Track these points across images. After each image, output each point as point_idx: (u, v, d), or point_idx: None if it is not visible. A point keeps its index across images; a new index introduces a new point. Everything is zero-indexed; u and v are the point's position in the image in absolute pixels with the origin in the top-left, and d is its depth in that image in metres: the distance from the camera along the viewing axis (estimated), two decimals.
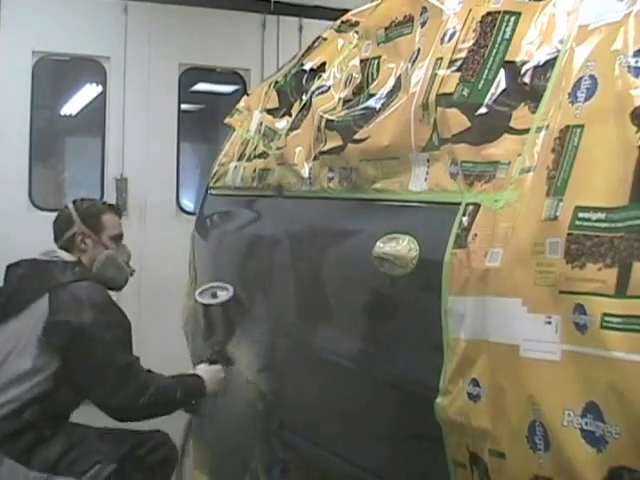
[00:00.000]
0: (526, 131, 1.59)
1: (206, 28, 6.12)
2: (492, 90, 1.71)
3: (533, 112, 1.60)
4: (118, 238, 2.92)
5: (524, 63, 1.68)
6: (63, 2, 5.87)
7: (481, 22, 1.80)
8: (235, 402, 2.88)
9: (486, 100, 1.71)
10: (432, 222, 1.80)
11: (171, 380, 2.69)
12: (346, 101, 2.33)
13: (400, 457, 1.93)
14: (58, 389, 2.62)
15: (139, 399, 2.59)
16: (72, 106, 6.70)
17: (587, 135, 1.40)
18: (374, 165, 2.02)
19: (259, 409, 2.70)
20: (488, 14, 1.79)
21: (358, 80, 2.32)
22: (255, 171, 2.85)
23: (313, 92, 2.55)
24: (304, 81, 2.79)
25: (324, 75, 2.62)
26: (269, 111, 2.97)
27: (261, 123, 2.96)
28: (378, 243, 1.89)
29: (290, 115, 2.74)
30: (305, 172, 2.39)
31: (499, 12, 1.77)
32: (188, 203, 6.24)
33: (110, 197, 5.61)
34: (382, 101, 2.08)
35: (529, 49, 1.69)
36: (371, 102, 2.13)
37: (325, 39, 2.86)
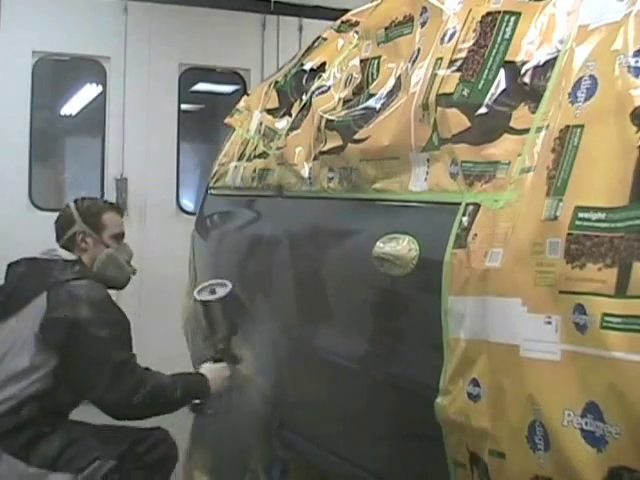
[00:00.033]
0: (526, 131, 1.59)
1: (206, 28, 6.12)
2: (492, 90, 1.71)
3: (533, 112, 1.60)
4: (119, 237, 2.91)
5: (524, 63, 1.68)
6: (63, 2, 5.86)
7: (481, 22, 1.80)
8: (235, 402, 2.87)
9: (486, 100, 1.71)
10: (432, 222, 1.80)
11: (170, 379, 2.67)
12: (346, 101, 2.33)
13: (400, 457, 1.93)
14: (57, 387, 2.62)
15: (133, 397, 2.57)
16: (72, 106, 6.70)
17: (587, 135, 1.40)
18: (374, 165, 2.02)
19: (259, 409, 2.70)
20: (488, 14, 1.79)
21: (358, 80, 2.32)
22: (255, 171, 2.85)
23: (313, 92, 2.55)
24: (304, 81, 2.79)
25: (324, 75, 2.62)
26: (269, 111, 2.97)
27: (261, 123, 2.96)
28: (378, 243, 1.89)
29: (290, 115, 2.74)
30: (305, 172, 2.38)
31: (499, 12, 1.77)
32: (188, 203, 6.24)
33: (110, 197, 5.60)
34: (382, 101, 2.08)
35: (529, 49, 1.69)
36: (371, 102, 2.13)
37: (325, 39, 2.86)
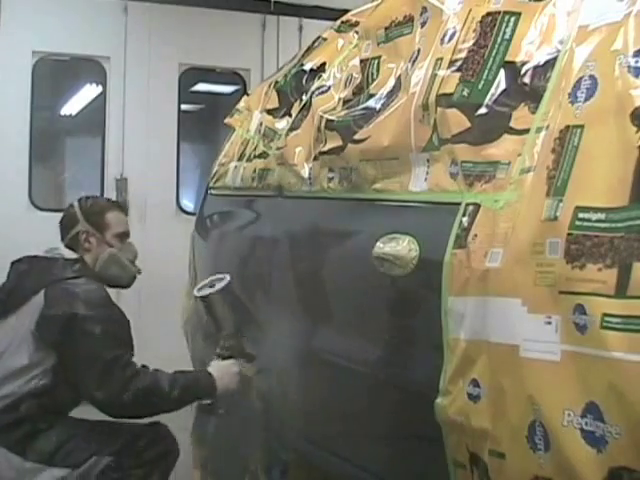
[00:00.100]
0: (526, 131, 1.59)
1: (206, 28, 6.12)
2: (492, 90, 1.71)
3: (533, 112, 1.60)
4: (123, 236, 2.90)
5: (524, 63, 1.68)
6: (63, 2, 5.87)
7: (481, 22, 1.80)
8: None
9: (486, 100, 1.71)
10: (432, 222, 1.80)
11: (169, 377, 2.61)
12: (346, 101, 2.33)
13: (400, 457, 1.93)
14: (56, 385, 2.62)
15: (123, 394, 2.52)
16: (72, 106, 6.70)
17: (587, 135, 1.40)
18: (374, 165, 2.02)
19: (259, 409, 2.70)
20: (488, 14, 1.79)
21: (358, 80, 2.32)
22: (255, 171, 2.85)
23: (313, 92, 2.55)
24: (304, 81, 2.79)
25: (324, 75, 2.62)
26: (269, 111, 2.97)
27: (261, 123, 2.96)
28: (378, 243, 1.89)
29: (290, 115, 2.74)
30: (305, 172, 2.38)
31: (499, 12, 1.77)
32: (188, 203, 6.24)
33: (110, 197, 5.61)
34: (382, 101, 2.08)
35: (529, 49, 1.69)
36: (371, 102, 2.13)
37: (325, 39, 2.86)
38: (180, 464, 2.84)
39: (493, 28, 1.76)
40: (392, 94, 2.06)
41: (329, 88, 2.49)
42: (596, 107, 1.40)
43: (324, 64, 2.70)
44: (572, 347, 1.33)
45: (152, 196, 5.95)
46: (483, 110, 1.70)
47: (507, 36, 1.74)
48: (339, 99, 2.39)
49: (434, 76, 1.85)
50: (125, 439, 2.66)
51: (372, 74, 2.24)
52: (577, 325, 1.31)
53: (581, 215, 1.34)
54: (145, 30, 6.01)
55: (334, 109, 2.35)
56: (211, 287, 2.75)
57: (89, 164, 6.27)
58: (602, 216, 1.31)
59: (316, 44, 2.91)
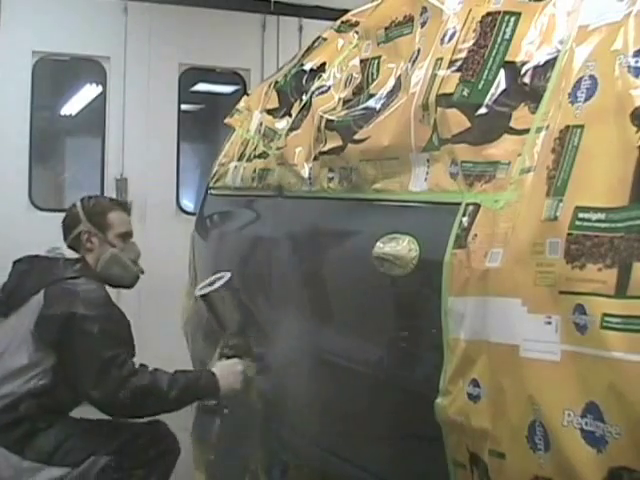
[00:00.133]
0: (526, 131, 1.59)
1: (206, 28, 6.12)
2: (492, 90, 1.71)
3: (533, 112, 1.59)
4: (126, 236, 2.88)
5: (524, 63, 1.68)
6: (63, 2, 5.87)
7: (481, 22, 1.80)
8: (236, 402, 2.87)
9: (486, 100, 1.70)
10: (432, 222, 1.80)
11: (168, 377, 2.60)
12: (346, 101, 2.33)
13: (400, 457, 1.93)
14: (56, 385, 2.62)
15: (119, 392, 2.51)
16: (72, 106, 6.70)
17: (587, 135, 1.39)
18: (374, 165, 2.02)
19: (259, 409, 2.70)
20: (488, 14, 1.79)
21: (358, 80, 2.32)
22: (255, 171, 2.85)
23: (313, 92, 2.55)
24: (304, 81, 2.79)
25: (324, 75, 2.62)
26: (269, 111, 2.97)
27: (261, 123, 2.96)
28: (378, 243, 1.89)
29: (290, 115, 2.74)
30: (305, 172, 2.38)
31: (499, 12, 1.77)
32: (188, 203, 6.24)
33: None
34: (382, 101, 2.08)
35: (529, 49, 1.69)
36: (371, 102, 2.13)
37: (325, 39, 2.86)
38: (180, 464, 2.83)
39: (493, 28, 1.76)
40: (392, 94, 2.06)
41: (329, 88, 2.49)
42: (596, 107, 1.40)
43: (324, 64, 2.70)
44: (572, 347, 1.33)
45: (152, 196, 5.95)
46: (483, 110, 1.70)
47: (507, 36, 1.74)
48: (339, 99, 2.39)
49: (434, 76, 1.85)
50: (124, 438, 2.66)
51: (372, 74, 2.24)
52: (577, 325, 1.31)
53: (581, 215, 1.34)
54: (145, 30, 6.02)
55: (334, 109, 2.35)
56: (211, 286, 2.74)
57: (89, 164, 6.27)
58: (602, 216, 1.31)
59: (316, 44, 2.91)
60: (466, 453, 1.60)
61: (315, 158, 2.32)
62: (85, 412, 2.73)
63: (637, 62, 1.36)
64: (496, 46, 1.74)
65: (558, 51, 1.60)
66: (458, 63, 1.79)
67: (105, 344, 2.57)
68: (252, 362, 2.70)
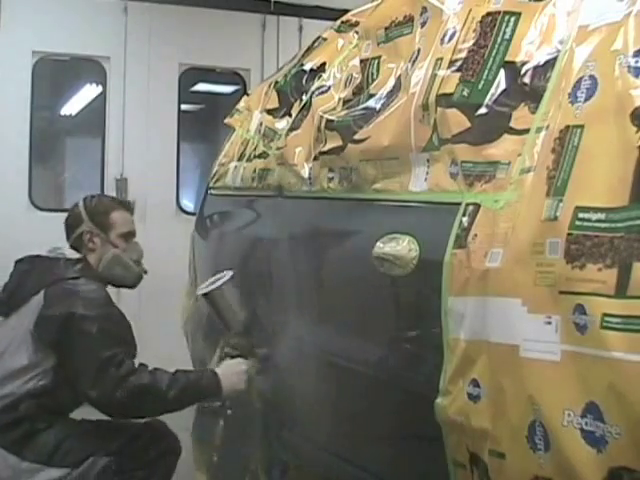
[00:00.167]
0: (526, 131, 1.59)
1: (206, 28, 6.12)
2: (492, 90, 1.71)
3: (533, 112, 1.60)
4: (129, 235, 2.86)
5: (524, 63, 1.68)
6: (63, 2, 5.87)
7: (481, 22, 1.80)
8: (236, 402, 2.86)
9: (486, 100, 1.70)
10: (432, 222, 1.80)
11: (168, 377, 2.56)
12: (346, 101, 2.33)
13: (400, 457, 1.93)
14: (56, 385, 2.61)
15: (116, 392, 2.48)
16: (72, 106, 6.71)
17: (587, 135, 1.39)
18: (374, 165, 2.02)
19: (259, 409, 2.70)
20: (488, 14, 1.79)
21: (358, 80, 2.32)
22: (255, 171, 2.85)
23: (313, 92, 2.55)
24: (304, 81, 2.79)
25: (324, 75, 2.62)
26: (269, 111, 2.97)
27: (261, 123, 2.96)
28: (378, 243, 1.89)
29: (290, 115, 2.74)
30: (305, 172, 2.38)
31: (499, 12, 1.77)
32: (188, 203, 6.24)
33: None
34: (382, 101, 2.08)
35: (529, 49, 1.69)
36: (371, 102, 2.13)
37: (325, 39, 2.86)
38: (181, 464, 2.82)
39: (493, 28, 1.76)
40: (392, 94, 2.06)
41: (329, 88, 2.49)
42: (596, 107, 1.40)
43: (324, 64, 2.70)
44: (572, 347, 1.33)
45: (152, 196, 5.95)
46: (483, 110, 1.70)
47: (507, 36, 1.74)
48: (339, 99, 2.39)
49: (434, 76, 1.85)
50: (124, 439, 2.65)
51: (372, 74, 2.24)
52: (577, 325, 1.31)
53: (581, 215, 1.34)
54: (145, 30, 6.02)
55: (334, 109, 2.35)
56: (214, 284, 2.70)
57: (89, 164, 6.27)
58: (602, 216, 1.31)
59: (316, 44, 2.91)
60: (466, 453, 1.60)
61: (315, 158, 2.32)
62: (86, 413, 2.72)
63: (637, 62, 1.36)
64: (496, 46, 1.74)
65: (558, 51, 1.60)
66: (458, 63, 1.79)
67: (104, 344, 2.55)
68: (256, 362, 2.66)
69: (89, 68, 6.13)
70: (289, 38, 6.15)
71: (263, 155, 2.83)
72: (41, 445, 2.57)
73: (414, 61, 1.99)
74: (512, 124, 1.64)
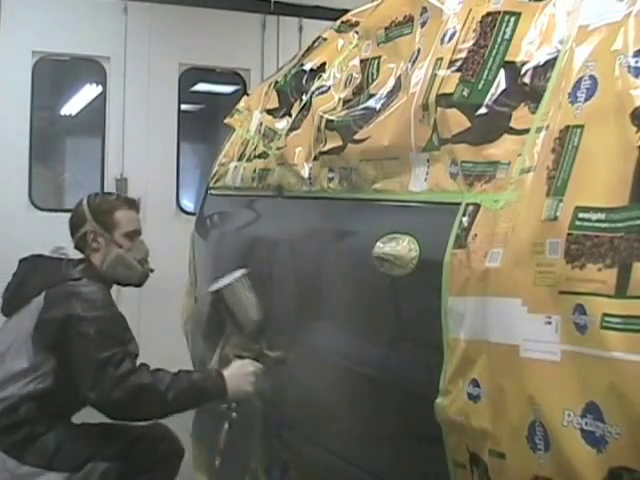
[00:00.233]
0: (526, 131, 1.59)
1: (206, 28, 6.12)
2: (492, 90, 1.71)
3: (533, 112, 1.60)
4: (134, 234, 2.81)
5: (524, 63, 1.68)
6: (63, 2, 5.87)
7: (481, 22, 1.80)
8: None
9: (486, 100, 1.71)
10: (432, 222, 1.80)
11: (169, 377, 2.51)
12: (346, 101, 2.33)
13: (400, 457, 1.93)
14: (57, 387, 2.60)
15: (113, 392, 2.44)
16: (72, 106, 6.71)
17: (587, 135, 1.40)
18: (374, 165, 2.02)
19: (259, 409, 2.70)
20: (488, 14, 1.79)
21: (358, 80, 2.32)
22: (255, 171, 2.85)
23: (313, 92, 2.55)
24: (304, 81, 2.79)
25: (324, 75, 2.62)
26: (269, 111, 2.97)
27: (261, 123, 2.96)
28: (378, 243, 1.89)
29: (290, 115, 2.74)
30: (305, 172, 2.38)
31: (499, 12, 1.77)
32: (188, 203, 6.24)
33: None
34: (382, 101, 2.08)
35: (529, 49, 1.69)
36: (371, 102, 2.13)
37: (325, 39, 2.86)
38: (181, 464, 2.81)
39: (493, 28, 1.76)
40: (392, 94, 2.06)
41: (329, 88, 2.49)
42: (596, 107, 1.40)
43: (324, 64, 2.70)
44: (572, 347, 1.33)
45: (152, 196, 5.93)
46: (483, 110, 1.71)
47: (507, 36, 1.74)
48: (339, 99, 2.39)
49: (434, 76, 1.85)
50: (125, 443, 2.62)
51: (372, 74, 2.24)
52: (577, 325, 1.31)
53: (581, 215, 1.34)
54: (145, 30, 6.02)
55: (334, 109, 2.35)
56: (225, 281, 2.62)
57: (89, 164, 6.27)
58: (602, 216, 1.31)
59: (316, 44, 2.91)
60: (466, 453, 1.60)
61: (315, 158, 2.32)
62: (87, 416, 2.71)
63: (637, 62, 1.36)
64: (496, 46, 1.74)
65: (558, 51, 1.60)
66: (458, 63, 1.80)
67: (102, 345, 2.52)
68: (268, 364, 2.56)
69: (89, 68, 6.13)
70: (289, 38, 6.15)
71: (263, 155, 2.83)
72: (41, 449, 2.54)
73: (414, 61, 1.99)
74: (512, 124, 1.64)
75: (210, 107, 7.14)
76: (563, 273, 1.35)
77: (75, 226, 2.81)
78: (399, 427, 1.91)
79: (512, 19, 1.75)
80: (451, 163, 1.76)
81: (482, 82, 1.73)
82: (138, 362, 2.59)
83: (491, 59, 1.74)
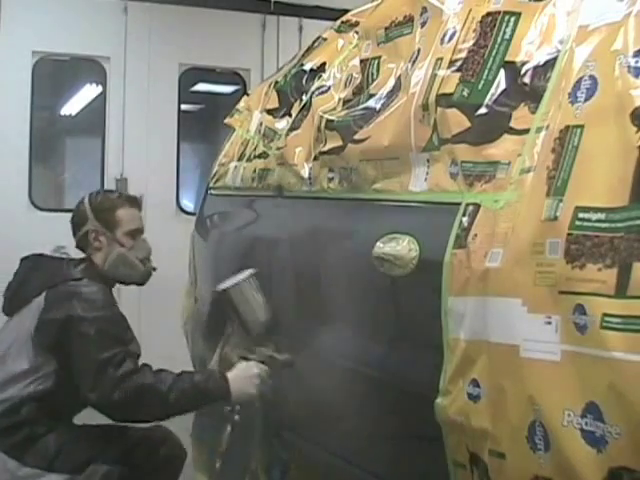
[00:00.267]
0: (526, 131, 1.59)
1: (206, 28, 6.12)
2: (492, 90, 1.71)
3: (533, 112, 1.60)
4: (136, 233, 2.78)
5: (524, 63, 1.68)
6: (63, 2, 5.87)
7: (481, 22, 1.80)
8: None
9: (486, 100, 1.71)
10: (432, 222, 1.80)
11: (171, 378, 2.47)
12: (346, 101, 2.33)
13: (400, 457, 1.93)
14: (58, 388, 2.59)
15: (114, 392, 2.41)
16: (72, 106, 6.70)
17: (587, 135, 1.40)
18: (374, 165, 2.02)
19: (259, 409, 2.70)
20: (488, 14, 1.79)
21: (358, 80, 2.32)
22: (255, 171, 2.85)
23: (313, 92, 2.55)
24: (304, 81, 2.79)
25: (324, 75, 2.62)
26: (269, 111, 2.97)
27: (261, 123, 2.96)
28: (378, 243, 1.89)
29: (290, 115, 2.74)
30: (305, 172, 2.39)
31: (499, 12, 1.78)
32: (188, 203, 6.24)
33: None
34: (382, 101, 2.09)
35: (529, 49, 1.69)
36: (371, 102, 2.13)
37: (325, 39, 2.86)
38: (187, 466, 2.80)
39: (493, 28, 1.76)
40: (392, 94, 2.06)
41: (329, 88, 2.49)
42: (596, 107, 1.40)
43: (324, 64, 2.70)
44: (572, 347, 1.33)
45: (152, 196, 5.93)
46: (483, 110, 1.71)
47: (507, 36, 1.74)
48: (339, 99, 2.39)
49: (434, 76, 1.85)
50: (126, 445, 2.61)
51: (372, 74, 2.24)
52: (577, 325, 1.31)
53: (581, 215, 1.34)
54: (145, 30, 6.01)
55: (334, 109, 2.35)
56: (232, 281, 2.58)
57: (89, 164, 6.27)
58: (602, 216, 1.31)
59: (316, 44, 2.91)
60: (466, 453, 1.60)
61: (315, 158, 2.32)
62: (88, 418, 2.70)
63: (637, 62, 1.36)
64: (496, 46, 1.74)
65: (558, 51, 1.60)
66: (458, 63, 1.80)
67: (102, 345, 2.49)
68: (272, 365, 2.51)
69: (89, 68, 6.12)
70: (289, 38, 6.14)
71: (263, 155, 2.82)
72: (42, 450, 2.52)
73: (414, 61, 1.99)
74: (512, 124, 1.64)
75: (210, 107, 7.14)
76: (563, 273, 1.35)
77: (77, 225, 2.79)
78: (399, 427, 1.91)
79: (512, 19, 1.75)
80: (451, 163, 1.76)
81: (482, 82, 1.73)
82: (140, 362, 2.59)
83: (491, 59, 1.74)
